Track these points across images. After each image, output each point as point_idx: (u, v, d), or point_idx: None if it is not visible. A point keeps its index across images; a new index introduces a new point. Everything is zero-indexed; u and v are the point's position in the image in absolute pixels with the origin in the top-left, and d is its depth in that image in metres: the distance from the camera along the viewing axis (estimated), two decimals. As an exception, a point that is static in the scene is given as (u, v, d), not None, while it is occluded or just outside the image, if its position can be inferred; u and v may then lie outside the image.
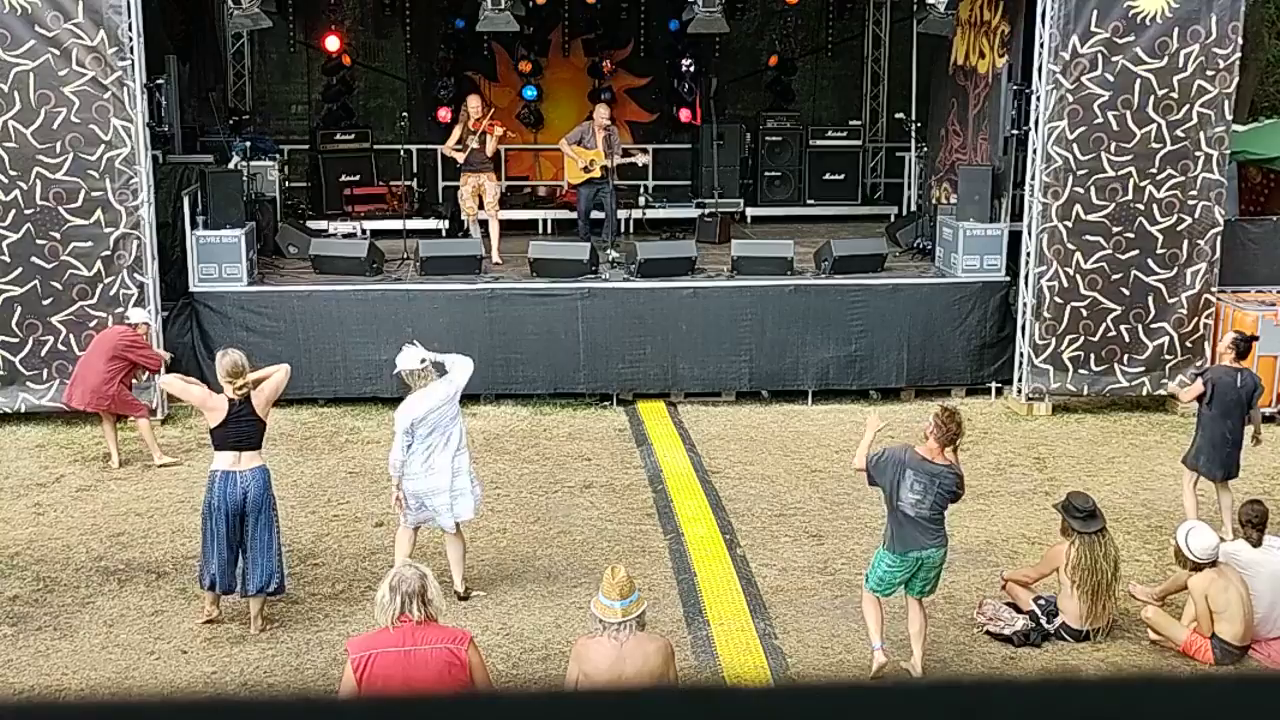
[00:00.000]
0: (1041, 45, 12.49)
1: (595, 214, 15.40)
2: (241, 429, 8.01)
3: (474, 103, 14.95)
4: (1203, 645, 7.96)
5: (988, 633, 8.24)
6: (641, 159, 15.96)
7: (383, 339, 12.86)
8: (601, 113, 15.28)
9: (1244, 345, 9.95)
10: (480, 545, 9.53)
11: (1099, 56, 12.36)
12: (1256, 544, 8.13)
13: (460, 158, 14.70)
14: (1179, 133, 12.51)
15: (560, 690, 4.32)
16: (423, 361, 8.27)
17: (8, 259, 11.94)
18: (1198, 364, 12.55)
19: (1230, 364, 9.80)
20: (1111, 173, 12.56)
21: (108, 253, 11.99)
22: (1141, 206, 12.63)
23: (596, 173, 15.06)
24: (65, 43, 11.65)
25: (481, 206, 14.81)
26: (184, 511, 10.06)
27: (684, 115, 17.91)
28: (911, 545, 7.47)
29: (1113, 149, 12.52)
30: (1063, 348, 12.88)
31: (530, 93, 18.07)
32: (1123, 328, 12.85)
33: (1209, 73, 12.42)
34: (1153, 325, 12.83)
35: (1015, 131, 13.18)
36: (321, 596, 8.73)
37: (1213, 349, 12.20)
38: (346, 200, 16.76)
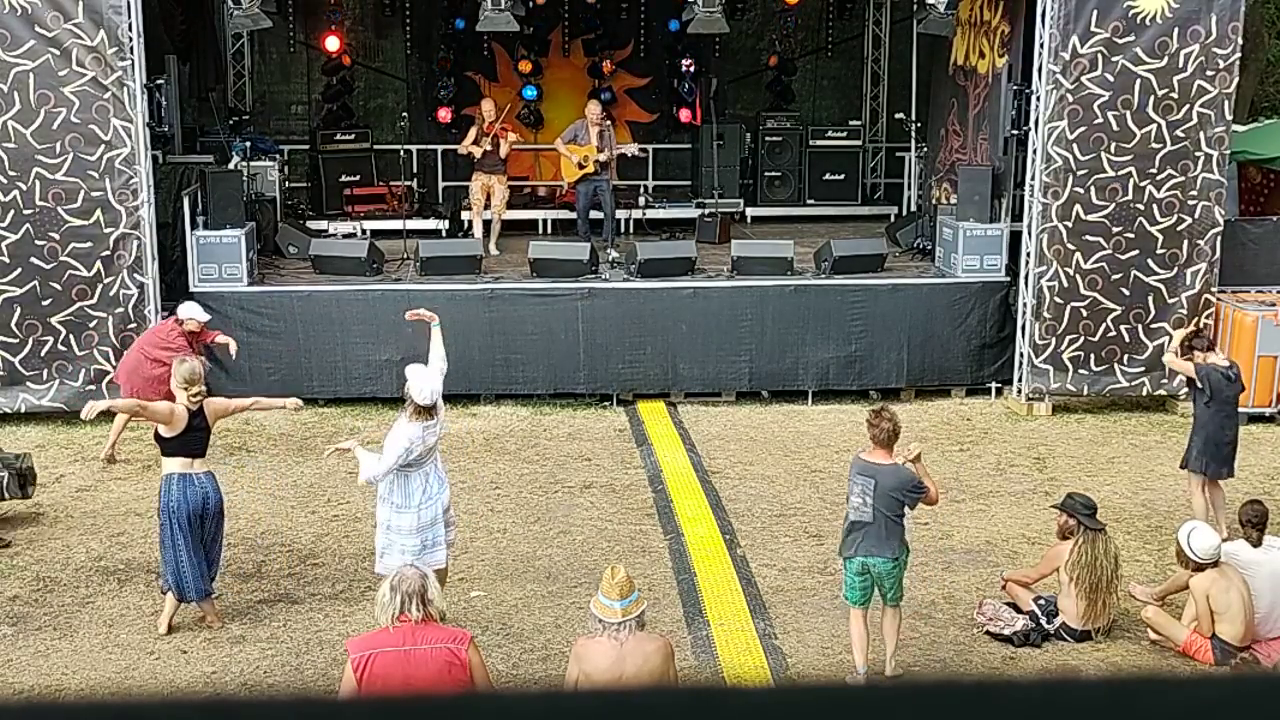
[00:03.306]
0: (1041, 45, 12.49)
1: (594, 214, 15.46)
2: (194, 436, 7.98)
3: (488, 106, 15.30)
4: (1203, 645, 7.96)
5: (988, 633, 8.24)
6: (632, 149, 15.99)
7: (383, 339, 12.88)
8: (593, 109, 15.38)
9: (1208, 340, 10.08)
10: (480, 545, 9.54)
11: (1099, 56, 12.36)
12: (1257, 544, 8.12)
13: (477, 152, 15.06)
14: (1179, 133, 12.51)
15: (560, 690, 4.31)
16: (434, 392, 7.63)
17: (7, 260, 11.93)
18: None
19: (1218, 362, 9.81)
20: (1111, 173, 12.55)
21: (107, 253, 11.99)
22: (1141, 206, 12.63)
23: (591, 168, 15.14)
24: (65, 43, 11.65)
25: (488, 206, 15.16)
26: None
27: (684, 115, 17.90)
28: (857, 551, 7.41)
29: (1113, 149, 12.52)
30: (1063, 348, 12.87)
31: (530, 93, 18.07)
32: (1123, 328, 12.84)
33: (1209, 73, 12.42)
34: (1153, 325, 12.83)
35: (1015, 131, 13.18)
36: (321, 596, 8.72)
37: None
38: (346, 200, 16.76)
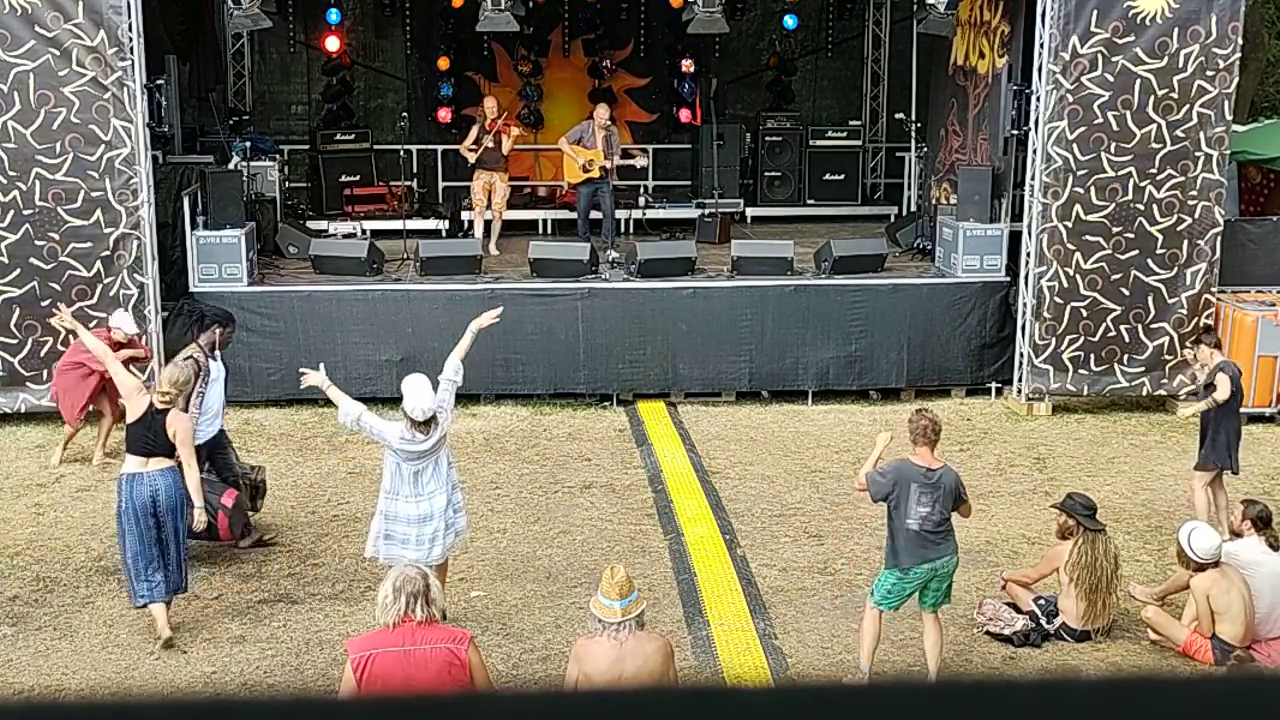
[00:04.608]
0: (1041, 45, 12.49)
1: (594, 214, 15.46)
2: (150, 434, 7.95)
3: (490, 104, 15.37)
4: (1203, 645, 7.96)
5: (988, 633, 8.24)
6: (640, 161, 16.03)
7: (383, 339, 12.88)
8: (602, 113, 15.36)
9: (1216, 337, 10.09)
10: (480, 545, 9.53)
11: (1099, 56, 12.36)
12: (1275, 544, 8.07)
13: (473, 157, 15.10)
14: (1179, 133, 12.51)
15: (560, 690, 4.31)
16: (425, 410, 7.53)
17: (6, 260, 11.93)
18: (1198, 365, 12.54)
19: (1228, 361, 9.82)
20: (1111, 173, 12.56)
21: (107, 253, 11.99)
22: (1141, 206, 12.63)
23: (595, 173, 15.14)
24: (65, 43, 11.64)
25: (489, 205, 15.17)
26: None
27: (684, 115, 17.91)
28: (919, 559, 7.34)
29: (1113, 149, 12.52)
30: (1063, 348, 12.87)
31: (530, 93, 18.08)
32: (1123, 328, 12.84)
33: (1209, 73, 12.42)
34: (1153, 325, 12.83)
35: (1015, 131, 13.18)
36: (321, 596, 8.72)
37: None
38: (346, 200, 16.76)
